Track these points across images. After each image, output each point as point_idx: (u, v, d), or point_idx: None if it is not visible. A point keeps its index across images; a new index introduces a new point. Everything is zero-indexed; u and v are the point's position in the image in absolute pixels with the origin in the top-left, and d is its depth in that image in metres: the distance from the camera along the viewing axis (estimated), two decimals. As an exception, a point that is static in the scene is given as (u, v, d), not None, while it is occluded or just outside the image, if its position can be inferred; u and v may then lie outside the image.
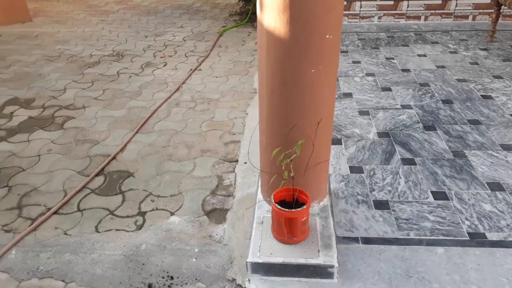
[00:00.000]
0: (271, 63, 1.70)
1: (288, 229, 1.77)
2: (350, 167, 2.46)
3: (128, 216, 2.25)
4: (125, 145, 2.92)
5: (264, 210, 2.01)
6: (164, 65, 4.37)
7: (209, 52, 4.70)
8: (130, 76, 4.11)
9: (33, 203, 2.37)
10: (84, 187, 2.49)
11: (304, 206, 1.74)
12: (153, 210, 2.30)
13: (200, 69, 4.24)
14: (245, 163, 2.64)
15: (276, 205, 1.73)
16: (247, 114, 3.30)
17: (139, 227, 2.17)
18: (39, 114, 3.40)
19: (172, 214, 2.26)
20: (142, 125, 3.18)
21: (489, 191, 2.21)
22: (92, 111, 3.43)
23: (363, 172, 2.41)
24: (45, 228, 2.18)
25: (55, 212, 2.29)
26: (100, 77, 4.11)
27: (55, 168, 2.69)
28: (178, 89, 3.79)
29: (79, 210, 2.31)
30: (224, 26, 5.64)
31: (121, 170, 2.66)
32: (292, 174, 1.74)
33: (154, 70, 4.24)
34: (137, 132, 3.09)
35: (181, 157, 2.77)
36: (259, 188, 2.14)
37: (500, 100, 3.12)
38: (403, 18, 4.92)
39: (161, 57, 4.59)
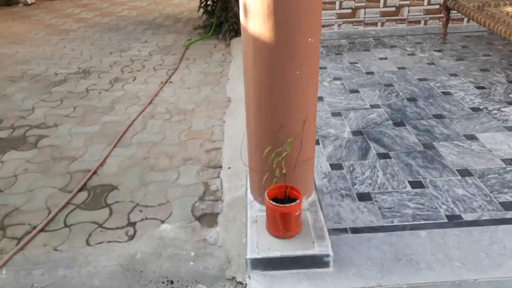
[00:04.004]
0: (258, 68, 1.79)
1: (283, 224, 1.84)
2: (331, 165, 2.58)
3: (118, 228, 2.25)
4: (105, 160, 2.90)
5: (256, 209, 2.07)
6: (134, 80, 4.36)
7: (178, 64, 4.74)
8: (100, 92, 4.07)
9: (17, 223, 2.31)
10: (68, 203, 2.46)
11: (297, 201, 1.82)
12: (142, 220, 2.31)
13: (171, 82, 4.27)
14: (229, 168, 2.70)
15: (271, 201, 1.81)
16: (224, 122, 3.36)
17: (131, 237, 2.17)
18: (9, 134, 3.30)
19: (162, 222, 2.28)
20: (120, 138, 3.17)
21: (460, 177, 2.39)
22: (65, 128, 3.38)
23: (343, 169, 2.54)
24: (33, 247, 2.13)
25: (42, 230, 2.24)
26: (68, 94, 4.05)
27: (34, 187, 2.63)
28: (151, 101, 3.80)
29: (66, 226, 2.28)
30: (189, 39, 5.70)
31: (104, 184, 2.64)
32: (284, 171, 1.83)
33: (124, 85, 4.22)
34: (115, 146, 3.08)
35: (164, 167, 2.79)
36: (248, 190, 2.20)
37: (459, 96, 3.37)
38: (361, 25, 5.19)
39: (129, 72, 4.58)
